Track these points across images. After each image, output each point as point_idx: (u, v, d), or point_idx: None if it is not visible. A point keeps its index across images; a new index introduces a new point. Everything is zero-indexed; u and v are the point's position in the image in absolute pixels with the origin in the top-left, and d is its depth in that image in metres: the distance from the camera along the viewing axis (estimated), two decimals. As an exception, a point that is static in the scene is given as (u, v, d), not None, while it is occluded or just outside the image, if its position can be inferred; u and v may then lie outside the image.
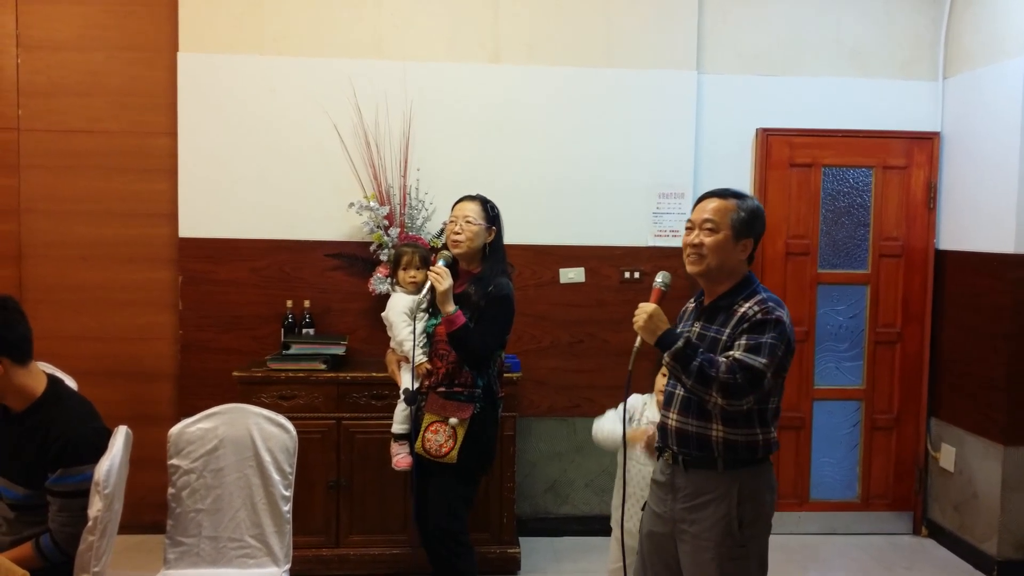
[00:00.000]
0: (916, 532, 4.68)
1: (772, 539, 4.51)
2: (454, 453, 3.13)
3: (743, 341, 2.33)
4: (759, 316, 2.34)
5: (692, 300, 2.63)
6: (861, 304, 4.63)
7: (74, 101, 4.30)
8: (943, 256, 4.57)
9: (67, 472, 2.46)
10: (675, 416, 2.47)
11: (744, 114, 4.54)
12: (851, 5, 4.54)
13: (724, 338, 2.38)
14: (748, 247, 2.45)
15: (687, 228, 2.49)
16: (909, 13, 4.57)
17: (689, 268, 2.48)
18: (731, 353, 2.32)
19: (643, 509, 2.69)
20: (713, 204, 2.44)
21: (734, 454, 2.38)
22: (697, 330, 2.48)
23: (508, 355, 4.06)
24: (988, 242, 4.19)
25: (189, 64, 4.25)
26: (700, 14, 4.45)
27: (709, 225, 2.41)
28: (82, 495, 2.47)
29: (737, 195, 2.47)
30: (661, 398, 2.74)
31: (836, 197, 4.59)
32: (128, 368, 4.37)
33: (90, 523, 2.43)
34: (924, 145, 4.57)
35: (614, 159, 4.44)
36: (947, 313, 4.54)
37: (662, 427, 2.54)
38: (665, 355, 2.33)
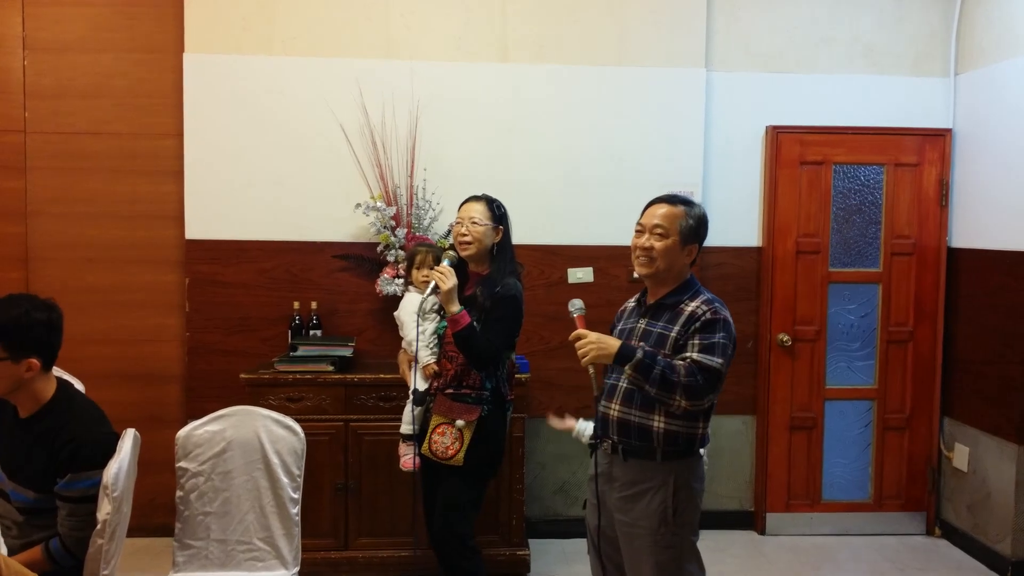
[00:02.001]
0: (929, 532, 4.64)
1: (784, 540, 4.55)
2: (460, 455, 3.11)
3: (696, 341, 2.44)
4: (708, 316, 2.46)
5: (632, 299, 2.75)
6: (873, 303, 4.59)
7: (80, 103, 4.29)
8: (955, 254, 4.53)
9: (76, 477, 2.45)
10: (617, 407, 2.55)
11: (754, 112, 4.51)
12: (862, 2, 4.51)
13: (673, 334, 2.49)
14: (693, 252, 2.60)
15: (637, 231, 2.61)
16: (921, 9, 4.53)
17: (638, 269, 2.60)
18: (688, 355, 2.42)
19: (584, 508, 2.77)
20: (663, 210, 2.57)
21: (674, 445, 2.48)
22: (642, 326, 2.58)
23: (517, 356, 4.03)
24: (1002, 239, 4.14)
25: (195, 65, 4.24)
26: (709, 12, 4.42)
27: (659, 230, 2.54)
28: (90, 500, 2.45)
29: (686, 202, 2.61)
30: None
31: (847, 195, 4.55)
32: (135, 371, 4.36)
33: (99, 526, 2.42)
34: (936, 142, 4.53)
35: (623, 158, 4.42)
36: (960, 311, 4.50)
37: (602, 418, 2.61)
38: (627, 368, 2.40)
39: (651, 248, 2.53)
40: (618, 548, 2.62)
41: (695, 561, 2.56)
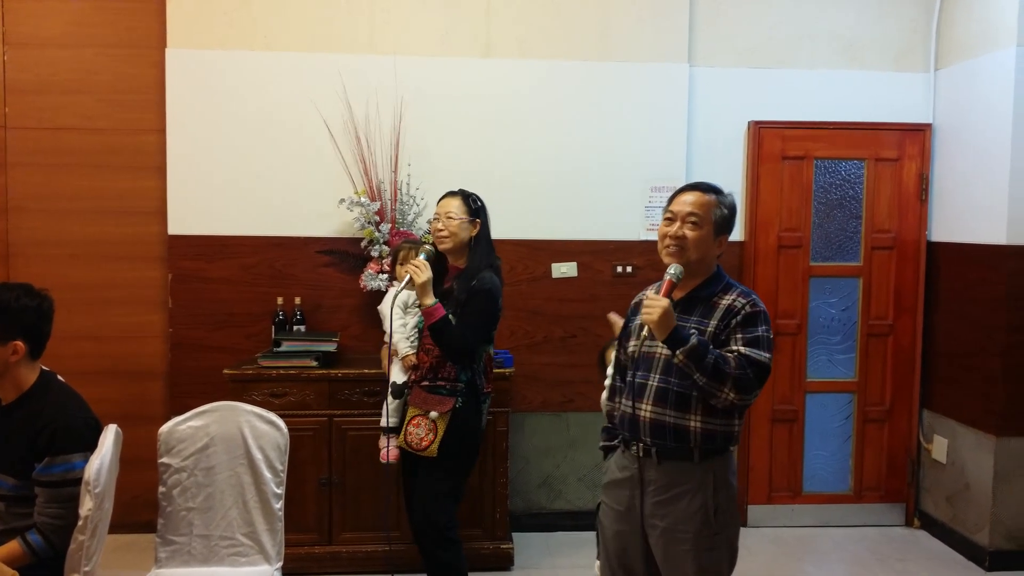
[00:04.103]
0: (909, 524, 4.69)
1: (766, 532, 4.59)
2: (434, 447, 3.13)
3: (740, 335, 2.34)
4: (748, 309, 2.36)
5: (650, 289, 2.56)
6: (853, 297, 4.63)
7: (62, 98, 4.27)
8: (935, 248, 4.57)
9: (52, 461, 2.47)
10: (649, 407, 2.42)
11: (736, 107, 4.53)
12: (843, -3, 4.55)
13: (711, 328, 2.38)
14: (724, 243, 2.49)
15: (667, 219, 2.48)
16: (901, 4, 4.56)
17: (666, 259, 2.45)
18: (735, 348, 2.32)
19: (597, 508, 2.67)
20: (694, 197, 2.45)
21: (711, 444, 2.39)
22: None
23: (501, 351, 4.06)
24: (980, 233, 4.19)
25: (177, 60, 4.22)
26: (692, 7, 4.44)
27: (693, 219, 2.42)
28: (68, 484, 2.46)
29: (716, 190, 2.49)
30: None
31: (828, 190, 4.59)
32: (118, 367, 4.35)
33: (80, 522, 2.42)
34: (916, 137, 4.57)
35: (606, 153, 4.43)
36: (939, 305, 4.54)
37: (630, 420, 2.47)
38: (678, 352, 2.29)
39: (684, 237, 2.41)
40: (638, 555, 2.49)
41: (732, 559, 2.47)
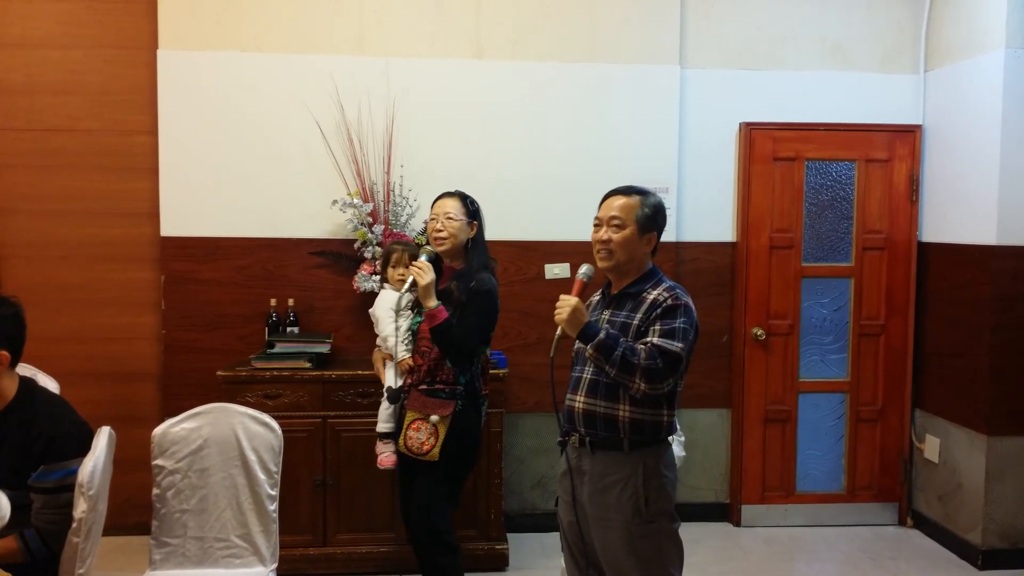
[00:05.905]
0: (901, 523, 4.71)
1: (759, 532, 4.59)
2: (435, 451, 3.11)
3: (657, 327, 2.45)
4: (669, 302, 2.47)
5: (598, 293, 2.74)
6: (845, 297, 4.65)
7: (52, 99, 4.25)
8: (926, 248, 4.59)
9: (49, 468, 2.46)
10: (582, 399, 2.55)
11: (727, 108, 4.55)
12: (832, -1, 4.57)
13: (636, 322, 2.50)
14: (652, 240, 2.60)
15: (595, 225, 2.61)
16: (891, 6, 4.59)
17: (600, 264, 2.60)
18: (648, 340, 2.43)
19: (556, 505, 2.76)
20: (619, 201, 2.57)
21: (640, 434, 2.48)
22: (606, 317, 2.58)
23: (495, 351, 4.05)
24: (970, 234, 4.21)
25: (169, 61, 4.21)
26: (683, 9, 4.45)
27: (616, 222, 2.54)
28: (65, 490, 2.46)
29: (641, 192, 2.61)
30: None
31: (819, 191, 4.61)
32: (111, 369, 4.33)
33: (75, 525, 2.42)
34: (906, 138, 4.60)
35: (598, 154, 4.44)
36: (930, 305, 4.57)
37: (568, 411, 2.60)
38: (588, 347, 2.43)
39: (609, 241, 2.53)
40: (583, 544, 2.59)
41: (674, 548, 2.53)
